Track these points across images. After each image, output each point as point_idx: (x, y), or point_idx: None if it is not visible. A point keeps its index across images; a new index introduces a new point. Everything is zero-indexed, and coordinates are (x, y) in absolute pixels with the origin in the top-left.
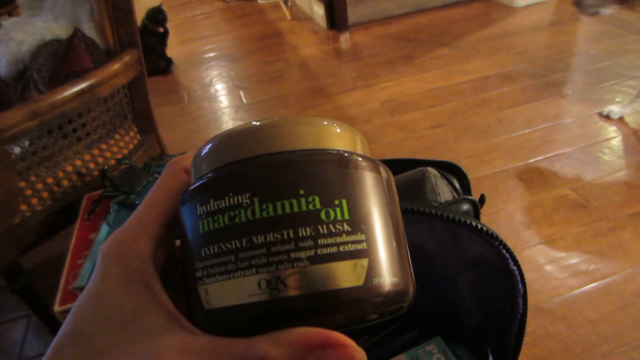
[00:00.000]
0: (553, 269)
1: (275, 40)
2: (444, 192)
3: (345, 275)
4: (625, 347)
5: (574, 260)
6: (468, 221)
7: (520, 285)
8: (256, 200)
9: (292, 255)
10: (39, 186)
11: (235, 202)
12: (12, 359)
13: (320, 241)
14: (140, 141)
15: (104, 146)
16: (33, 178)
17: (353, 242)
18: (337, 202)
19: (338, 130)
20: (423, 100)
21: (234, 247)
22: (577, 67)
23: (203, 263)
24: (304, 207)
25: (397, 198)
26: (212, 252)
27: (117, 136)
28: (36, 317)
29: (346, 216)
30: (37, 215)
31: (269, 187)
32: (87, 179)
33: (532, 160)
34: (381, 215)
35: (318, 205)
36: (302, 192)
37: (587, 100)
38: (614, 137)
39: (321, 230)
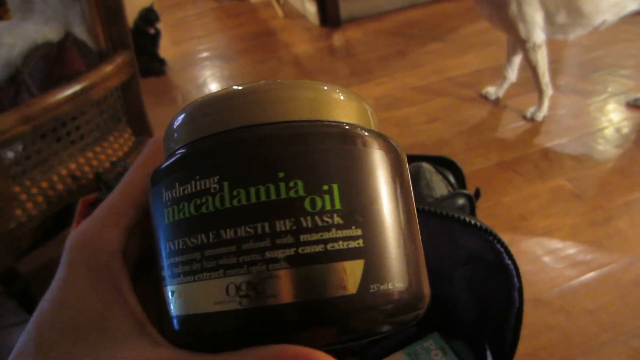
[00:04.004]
0: (551, 260)
1: (268, 39)
2: (439, 187)
3: (334, 281)
4: (624, 336)
5: (571, 251)
6: (462, 217)
7: (515, 279)
8: (226, 185)
9: (268, 254)
10: (34, 190)
11: (202, 187)
12: None
13: (303, 237)
14: (135, 143)
15: (98, 149)
16: (27, 182)
17: (345, 239)
18: (325, 187)
19: (338, 96)
20: (417, 95)
21: (199, 242)
22: (569, 58)
23: (168, 260)
24: (283, 194)
25: (409, 184)
26: (176, 247)
27: (112, 138)
28: None
29: (337, 205)
30: (32, 220)
31: (241, 168)
32: (82, 182)
33: (526, 153)
34: (386, 204)
35: (301, 192)
36: (281, 175)
37: (580, 91)
38: (607, 126)
39: (304, 224)
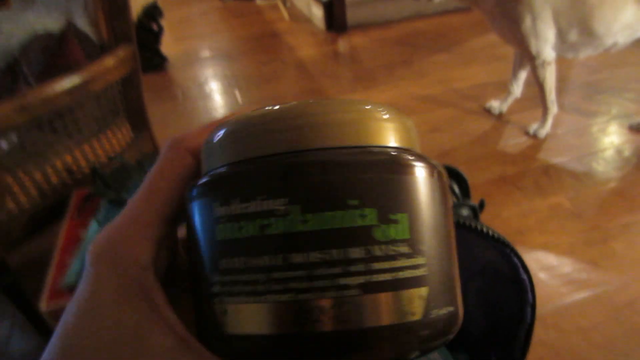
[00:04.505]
0: (546, 276)
1: (272, 41)
2: None
3: (402, 307)
4: (614, 356)
5: (567, 269)
6: (479, 227)
7: (529, 294)
8: (296, 208)
9: (340, 281)
10: (27, 182)
11: (268, 207)
12: None
13: (374, 266)
14: (133, 139)
15: (95, 143)
16: (21, 174)
17: (412, 268)
18: (395, 217)
19: (394, 122)
20: (421, 104)
21: (265, 263)
22: (575, 78)
23: (222, 277)
24: (357, 222)
25: (452, 207)
26: (234, 266)
27: (110, 133)
28: (22, 316)
29: (406, 235)
30: (24, 212)
31: (313, 193)
32: (77, 176)
33: (527, 168)
34: (441, 231)
35: (374, 221)
36: (355, 202)
37: (583, 112)
38: (609, 148)
39: (375, 252)
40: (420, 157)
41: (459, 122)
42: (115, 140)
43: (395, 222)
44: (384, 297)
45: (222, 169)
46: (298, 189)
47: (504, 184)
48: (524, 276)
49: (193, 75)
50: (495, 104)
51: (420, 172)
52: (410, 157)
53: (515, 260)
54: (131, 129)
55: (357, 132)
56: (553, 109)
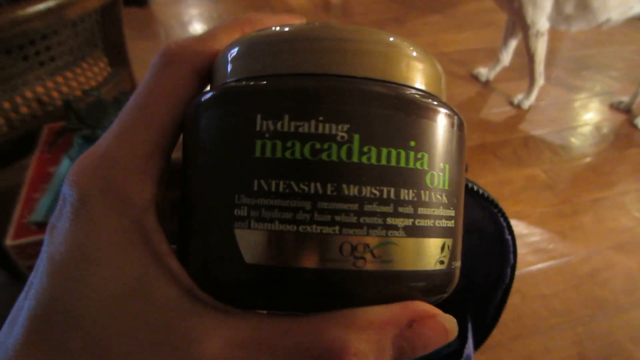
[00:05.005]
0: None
1: None
2: None
3: (436, 254)
4: (572, 323)
5: (535, 238)
6: (470, 185)
7: (511, 255)
8: (357, 137)
9: (389, 221)
10: None
11: (327, 131)
12: None
13: (420, 210)
14: (111, 74)
15: (69, 74)
16: None
17: (447, 218)
18: (442, 166)
19: (439, 69)
20: None
21: (312, 191)
22: (563, 52)
23: (253, 200)
24: (411, 164)
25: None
26: (273, 189)
27: (85, 65)
28: None
29: (446, 185)
30: None
31: (377, 125)
32: (49, 108)
33: (508, 138)
34: (462, 187)
35: (426, 166)
36: (412, 143)
37: (568, 86)
38: (588, 124)
39: (423, 197)
40: (460, 116)
41: (446, 87)
42: (91, 73)
43: (442, 170)
44: (425, 243)
45: (263, 81)
46: (362, 117)
47: (483, 151)
48: (508, 237)
49: (177, 14)
50: (483, 71)
51: (460, 126)
52: (455, 110)
53: (502, 220)
54: (109, 64)
55: (420, 75)
56: (540, 80)
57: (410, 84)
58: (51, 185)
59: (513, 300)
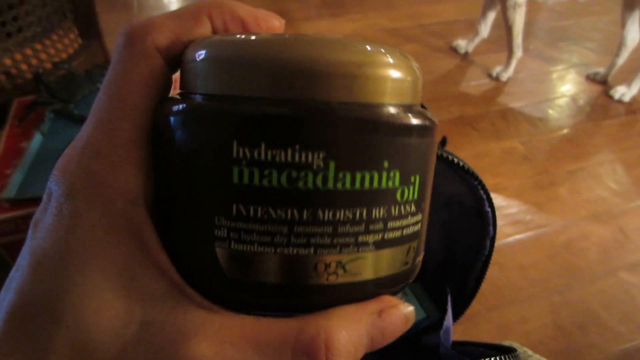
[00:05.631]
0: None
1: None
2: None
3: (401, 259)
4: (548, 292)
5: (513, 210)
6: (449, 157)
7: (491, 227)
8: (332, 165)
9: (360, 238)
10: None
11: (303, 160)
12: None
13: (390, 224)
14: (82, 46)
15: (38, 46)
16: None
17: (414, 224)
18: (412, 179)
19: (417, 78)
20: (388, 37)
21: (289, 217)
22: (541, 23)
23: (232, 223)
24: (383, 184)
25: None
26: (252, 214)
27: (55, 37)
28: None
29: (415, 195)
30: None
31: (352, 150)
32: (18, 81)
33: (486, 111)
34: (431, 187)
35: (397, 183)
36: (386, 164)
37: (545, 58)
38: (565, 96)
39: (393, 212)
40: (432, 119)
41: (424, 59)
42: (62, 45)
43: (413, 183)
44: (391, 252)
45: (238, 103)
46: (337, 143)
47: (462, 124)
48: (488, 209)
49: None
50: (462, 43)
51: (434, 135)
52: (428, 118)
53: (482, 193)
54: (80, 35)
55: (392, 90)
56: (518, 52)
57: (387, 102)
58: (23, 161)
59: (491, 271)
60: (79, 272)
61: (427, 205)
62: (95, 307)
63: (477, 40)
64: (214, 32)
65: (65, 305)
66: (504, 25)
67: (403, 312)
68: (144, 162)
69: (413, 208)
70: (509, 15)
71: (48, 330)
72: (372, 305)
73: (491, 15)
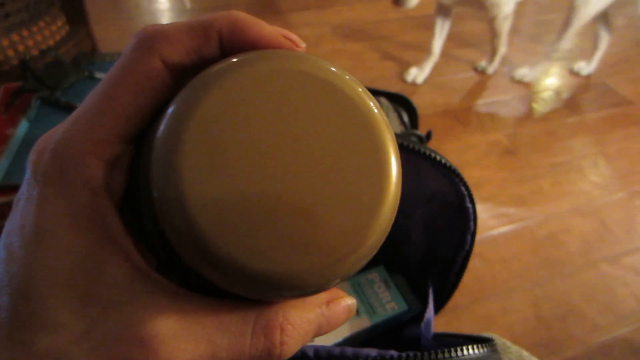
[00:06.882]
0: (477, 210)
1: None
2: (394, 124)
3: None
4: (529, 284)
5: (496, 203)
6: (432, 154)
7: (472, 222)
8: None
9: None
10: None
11: None
12: None
13: None
14: (69, 33)
15: (25, 32)
16: None
17: None
18: None
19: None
20: (375, 30)
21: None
22: (526, 16)
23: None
24: None
25: None
26: None
27: (42, 24)
28: None
29: None
30: None
31: None
32: (4, 67)
33: (472, 104)
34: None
35: None
36: None
37: (530, 51)
38: (549, 89)
39: None
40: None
41: (412, 52)
42: (49, 32)
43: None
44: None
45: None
46: None
47: (447, 117)
48: (469, 205)
49: None
50: (413, 71)
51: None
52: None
53: (463, 189)
54: (67, 22)
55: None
56: (503, 49)
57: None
58: (9, 147)
59: (474, 263)
60: (44, 254)
61: None
62: (60, 289)
63: (430, 65)
64: (223, 49)
65: (31, 285)
66: (490, 31)
67: (347, 303)
68: (112, 159)
69: None
70: (499, 25)
71: (16, 307)
72: (322, 296)
73: (446, 28)
